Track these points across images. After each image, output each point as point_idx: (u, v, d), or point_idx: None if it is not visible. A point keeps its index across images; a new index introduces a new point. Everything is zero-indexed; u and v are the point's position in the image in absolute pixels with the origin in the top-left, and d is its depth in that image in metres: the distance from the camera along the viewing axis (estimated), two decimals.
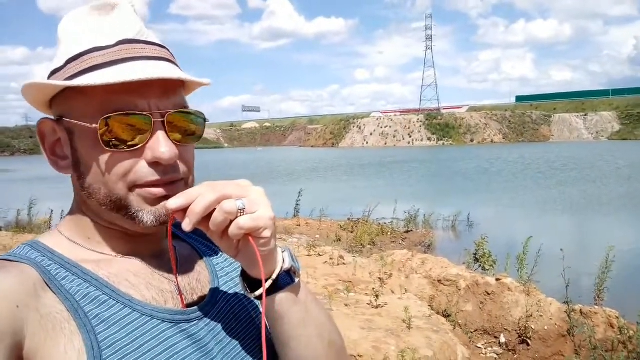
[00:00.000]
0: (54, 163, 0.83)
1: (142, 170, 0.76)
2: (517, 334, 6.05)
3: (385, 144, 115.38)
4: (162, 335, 0.76)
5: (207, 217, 0.72)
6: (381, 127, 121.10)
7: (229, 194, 0.72)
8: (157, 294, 0.80)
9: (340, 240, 11.72)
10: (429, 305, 6.32)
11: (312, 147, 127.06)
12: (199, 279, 0.89)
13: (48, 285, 0.72)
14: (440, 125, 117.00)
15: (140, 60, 0.76)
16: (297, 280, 0.83)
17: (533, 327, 5.97)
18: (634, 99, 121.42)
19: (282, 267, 0.80)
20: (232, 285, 0.92)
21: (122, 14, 0.80)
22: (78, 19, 0.80)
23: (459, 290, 6.77)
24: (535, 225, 13.80)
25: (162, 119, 0.76)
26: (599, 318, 5.77)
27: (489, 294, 6.57)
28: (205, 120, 0.85)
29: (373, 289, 6.05)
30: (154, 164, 0.76)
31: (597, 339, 4.59)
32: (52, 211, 13.42)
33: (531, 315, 6.02)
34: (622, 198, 20.54)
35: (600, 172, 32.03)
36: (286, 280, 0.81)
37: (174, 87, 0.79)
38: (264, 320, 0.79)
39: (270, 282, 0.78)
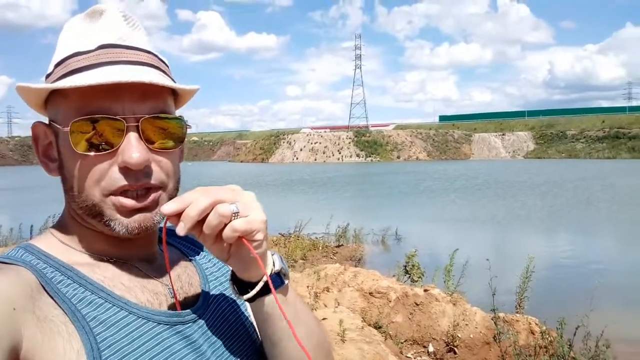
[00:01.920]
0: (45, 165, 0.84)
1: (114, 175, 0.76)
2: (445, 342, 6.25)
3: (315, 159, 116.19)
4: (158, 337, 0.77)
5: (200, 222, 0.73)
6: (311, 143, 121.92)
7: (222, 199, 0.74)
8: (152, 297, 0.82)
9: None
10: (362, 318, 6.41)
11: (241, 162, 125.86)
12: (191, 283, 0.90)
13: (44, 288, 0.72)
14: (369, 142, 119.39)
15: (118, 64, 0.77)
16: (286, 282, 0.85)
17: (459, 335, 6.19)
18: (547, 120, 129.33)
19: (272, 270, 0.83)
20: (222, 288, 0.94)
21: (107, 19, 0.82)
22: (71, 26, 0.83)
23: (390, 301, 6.92)
24: (460, 238, 14.38)
25: (137, 124, 0.77)
26: (521, 325, 6.08)
27: (417, 304, 6.76)
28: (186, 126, 0.85)
29: (308, 303, 6.08)
30: (125, 169, 0.76)
31: (520, 345, 4.84)
32: None
33: (457, 325, 6.24)
34: (539, 212, 21.80)
35: (518, 189, 33.78)
36: (276, 281, 0.83)
37: (155, 93, 0.79)
38: (283, 312, 0.80)
39: (262, 283, 0.81)
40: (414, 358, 6.21)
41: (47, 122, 0.83)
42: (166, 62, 0.87)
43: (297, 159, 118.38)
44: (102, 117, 0.75)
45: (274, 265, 0.83)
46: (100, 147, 0.76)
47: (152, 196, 0.79)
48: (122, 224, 0.77)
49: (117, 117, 0.75)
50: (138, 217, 0.78)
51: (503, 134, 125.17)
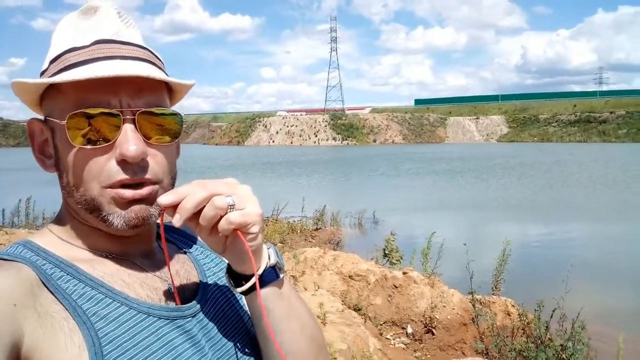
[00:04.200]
0: (41, 162, 0.84)
1: (111, 168, 0.76)
2: (423, 324, 6.36)
3: (292, 142, 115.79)
4: (159, 331, 0.77)
5: (197, 214, 0.74)
6: (287, 126, 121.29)
7: (218, 191, 0.75)
8: (152, 292, 0.82)
9: None
10: (342, 300, 6.48)
11: (216, 144, 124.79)
12: (189, 277, 0.91)
13: (45, 285, 0.72)
14: (345, 126, 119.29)
15: (114, 59, 0.78)
16: (281, 275, 0.85)
17: (437, 317, 6.30)
18: (520, 104, 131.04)
19: (267, 263, 0.83)
20: (219, 282, 0.95)
21: (102, 15, 0.82)
22: (66, 23, 0.83)
23: (369, 284, 7.00)
24: (437, 221, 14.57)
25: (133, 117, 0.77)
26: (497, 306, 6.22)
27: (396, 287, 6.85)
28: (182, 120, 0.85)
29: None
30: (122, 163, 0.76)
31: (497, 326, 4.96)
32: None
33: (435, 306, 6.35)
34: (517, 194, 22.16)
35: (495, 171, 34.27)
36: (271, 275, 0.84)
37: (150, 87, 0.80)
38: (264, 311, 0.81)
39: (253, 279, 0.81)
40: (393, 339, 6.31)
41: (42, 118, 0.83)
42: (161, 58, 0.88)
43: (273, 142, 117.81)
44: (98, 111, 0.75)
45: (269, 258, 0.84)
46: (98, 141, 0.76)
47: (149, 188, 0.79)
48: (120, 216, 0.77)
49: (114, 110, 0.75)
50: (135, 208, 0.78)
51: (477, 118, 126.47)
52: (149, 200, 0.79)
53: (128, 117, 0.76)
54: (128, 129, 0.76)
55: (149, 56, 0.83)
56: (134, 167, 0.77)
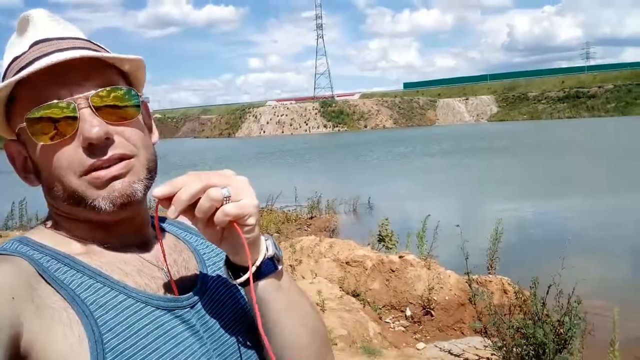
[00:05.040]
0: (26, 180, 0.85)
1: (81, 156, 0.77)
2: (421, 306, 6.43)
3: (282, 132, 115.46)
4: (158, 320, 0.77)
5: (192, 206, 0.74)
6: (277, 116, 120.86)
7: (214, 183, 0.75)
8: (150, 281, 0.82)
9: None
10: (340, 287, 6.53)
11: (207, 137, 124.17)
12: (188, 267, 0.90)
13: (42, 277, 0.73)
14: (335, 112, 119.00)
15: (54, 53, 0.78)
16: (280, 267, 0.85)
17: (435, 298, 6.37)
18: (509, 83, 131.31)
19: (265, 255, 0.82)
20: (219, 272, 0.93)
21: (35, 22, 0.84)
22: (9, 44, 0.86)
23: (366, 269, 7.05)
24: (431, 204, 14.59)
25: (87, 101, 0.77)
26: (494, 285, 6.29)
27: (393, 271, 6.91)
28: (138, 95, 0.84)
29: None
30: (90, 148, 0.77)
31: (494, 305, 5.01)
32: None
33: (432, 288, 6.42)
34: (510, 172, 22.24)
35: (486, 152, 34.38)
36: (269, 267, 0.83)
37: (98, 71, 0.80)
38: (255, 306, 0.80)
39: (254, 268, 0.80)
40: (393, 322, 6.38)
41: (16, 138, 0.84)
42: (105, 48, 0.87)
43: (263, 132, 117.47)
44: (50, 104, 0.75)
45: (267, 250, 0.83)
46: (60, 133, 0.76)
47: (124, 163, 0.79)
48: (104, 198, 0.77)
49: (65, 100, 0.76)
50: (116, 186, 0.78)
51: (466, 99, 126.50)
52: (126, 174, 0.79)
53: (82, 103, 0.76)
54: (85, 114, 0.76)
55: (89, 45, 0.83)
56: (102, 149, 0.77)
